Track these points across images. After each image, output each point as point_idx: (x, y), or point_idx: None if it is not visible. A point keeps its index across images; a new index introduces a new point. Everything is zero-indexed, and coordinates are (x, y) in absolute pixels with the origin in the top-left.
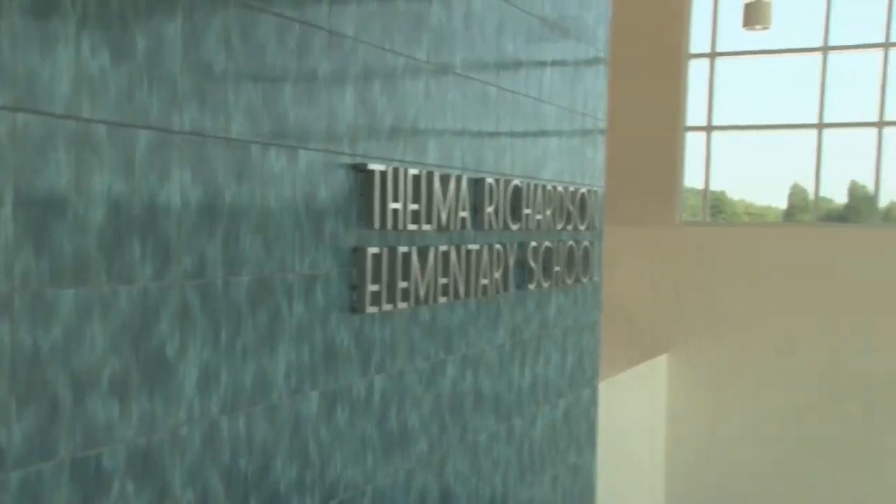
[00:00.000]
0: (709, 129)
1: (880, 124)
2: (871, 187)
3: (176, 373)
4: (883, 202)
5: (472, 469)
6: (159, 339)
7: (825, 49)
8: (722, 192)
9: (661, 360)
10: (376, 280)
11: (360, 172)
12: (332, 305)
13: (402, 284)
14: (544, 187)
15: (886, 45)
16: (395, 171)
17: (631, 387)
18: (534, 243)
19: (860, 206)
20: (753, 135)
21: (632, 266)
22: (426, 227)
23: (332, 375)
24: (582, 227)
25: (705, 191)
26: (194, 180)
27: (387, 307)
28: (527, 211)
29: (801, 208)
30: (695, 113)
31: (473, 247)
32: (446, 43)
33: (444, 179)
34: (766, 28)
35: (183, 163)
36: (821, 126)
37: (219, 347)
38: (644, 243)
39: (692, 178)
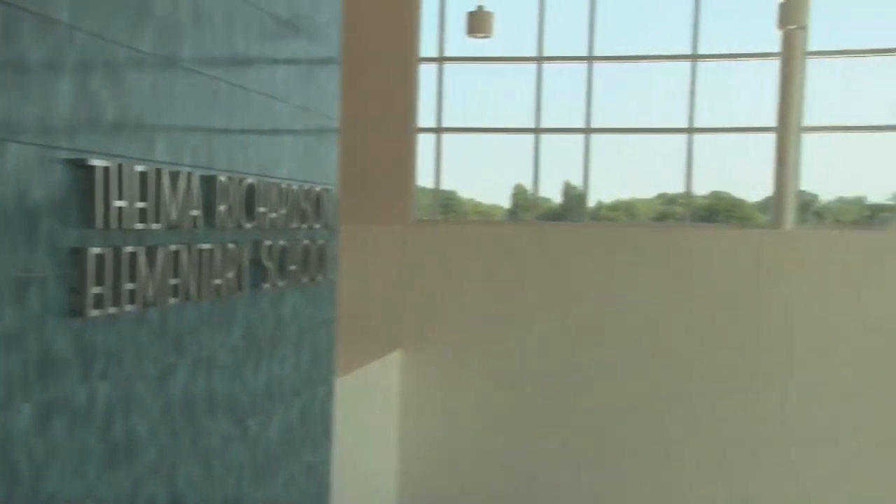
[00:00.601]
0: (438, 130)
1: (587, 130)
2: (581, 188)
3: None
4: (591, 202)
5: (204, 474)
6: None
7: (539, 59)
8: (453, 192)
9: (395, 357)
10: (99, 282)
11: (81, 168)
12: (48, 310)
13: (128, 286)
14: (279, 185)
15: (590, 59)
16: (120, 167)
17: (366, 384)
18: (268, 242)
19: (573, 205)
20: (481, 137)
21: (367, 264)
22: (154, 225)
23: (48, 385)
24: (317, 226)
25: (436, 190)
26: None
27: (112, 310)
28: (261, 209)
29: (523, 207)
30: (426, 114)
31: (206, 246)
32: (172, 35)
33: (174, 177)
34: (487, 36)
35: None
36: (538, 131)
37: None
38: (379, 241)
39: (425, 177)
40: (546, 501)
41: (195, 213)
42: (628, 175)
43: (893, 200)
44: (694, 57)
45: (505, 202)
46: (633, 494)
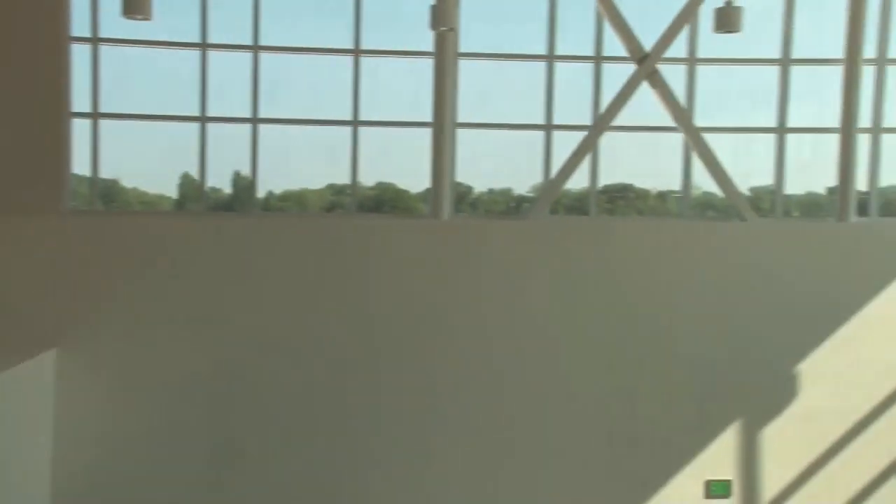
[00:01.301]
0: (95, 115)
1: (255, 120)
2: (251, 178)
3: None
4: (261, 192)
5: None
6: None
7: (203, 46)
8: (115, 181)
9: (50, 356)
10: None
11: None
12: None
13: None
14: None
15: (256, 48)
16: None
17: (15, 385)
18: None
19: (243, 195)
20: (146, 124)
21: (15, 256)
22: None
23: None
24: None
25: (94, 178)
26: None
27: None
28: None
29: (192, 198)
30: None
31: None
32: None
33: None
34: (146, 18)
35: None
36: (204, 120)
37: None
38: (28, 233)
39: (82, 165)
40: None
41: None
42: (299, 166)
43: (534, 192)
44: (356, 52)
45: (173, 192)
46: (328, 483)
